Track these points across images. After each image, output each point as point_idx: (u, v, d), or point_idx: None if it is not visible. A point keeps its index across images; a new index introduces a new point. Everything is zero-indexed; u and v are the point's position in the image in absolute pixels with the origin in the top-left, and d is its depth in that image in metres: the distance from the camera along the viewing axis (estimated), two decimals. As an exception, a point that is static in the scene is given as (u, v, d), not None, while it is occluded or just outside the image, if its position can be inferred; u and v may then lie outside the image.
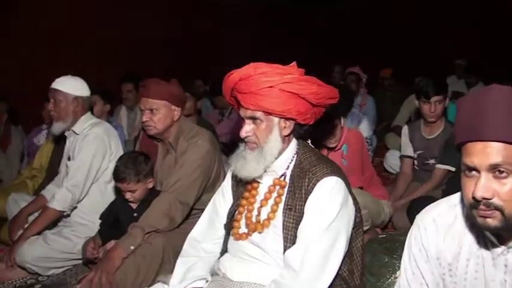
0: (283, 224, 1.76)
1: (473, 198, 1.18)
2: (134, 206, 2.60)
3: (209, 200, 2.64)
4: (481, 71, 6.29)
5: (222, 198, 2.03)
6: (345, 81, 5.63)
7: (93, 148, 2.82)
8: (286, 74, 1.72)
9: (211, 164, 2.63)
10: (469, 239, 1.35)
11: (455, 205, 1.41)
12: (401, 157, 3.64)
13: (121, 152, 2.95)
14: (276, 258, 1.79)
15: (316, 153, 1.87)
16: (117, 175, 2.54)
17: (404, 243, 2.07)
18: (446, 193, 2.96)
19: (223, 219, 1.99)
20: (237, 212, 1.93)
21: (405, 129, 3.59)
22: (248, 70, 1.73)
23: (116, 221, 2.62)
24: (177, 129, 2.65)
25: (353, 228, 1.82)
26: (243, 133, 1.77)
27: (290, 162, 1.84)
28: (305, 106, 1.77)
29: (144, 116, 2.60)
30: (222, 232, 2.01)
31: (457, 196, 1.43)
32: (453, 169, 3.24)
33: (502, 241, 1.27)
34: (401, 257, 1.98)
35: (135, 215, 2.54)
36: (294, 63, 1.80)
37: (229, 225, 1.95)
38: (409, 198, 3.27)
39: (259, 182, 1.87)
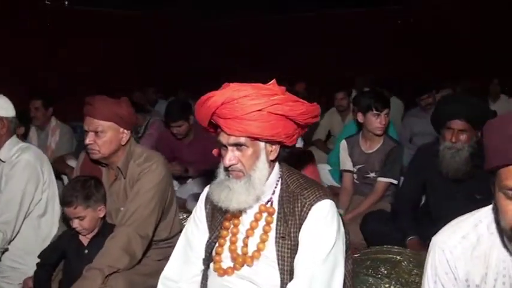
0: (278, 255, 1.64)
1: None
2: (85, 241, 2.27)
3: (164, 230, 2.45)
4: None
5: (196, 229, 1.85)
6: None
7: (24, 177, 2.46)
8: (273, 95, 1.60)
9: (166, 190, 2.42)
10: (494, 258, 1.34)
11: (476, 225, 1.40)
12: (342, 172, 3.68)
13: (54, 180, 2.60)
14: None
15: (302, 175, 1.78)
16: (64, 198, 2.22)
17: (384, 261, 2.08)
18: (395, 207, 3.08)
19: (200, 254, 1.81)
20: (217, 244, 1.76)
21: (344, 144, 3.63)
22: (230, 93, 1.58)
23: (60, 260, 2.28)
24: (126, 153, 2.39)
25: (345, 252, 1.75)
26: (226, 162, 1.63)
27: (275, 187, 1.72)
28: (292, 127, 1.68)
29: (87, 137, 2.30)
30: (199, 268, 1.82)
31: (477, 215, 1.42)
32: (395, 182, 3.35)
33: None
34: (385, 276, 1.99)
35: (86, 252, 2.23)
36: (274, 81, 1.68)
37: (209, 260, 1.78)
38: (355, 213, 3.30)
39: (241, 210, 1.71)
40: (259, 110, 1.58)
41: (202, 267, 1.82)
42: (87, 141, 2.29)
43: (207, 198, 1.82)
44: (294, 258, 1.63)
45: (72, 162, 3.43)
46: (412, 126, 5.07)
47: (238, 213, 1.72)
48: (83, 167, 2.48)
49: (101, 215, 2.30)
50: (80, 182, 2.27)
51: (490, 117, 2.81)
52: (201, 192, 3.61)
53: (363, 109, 3.42)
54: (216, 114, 1.61)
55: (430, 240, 2.60)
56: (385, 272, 2.00)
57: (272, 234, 1.67)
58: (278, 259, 1.64)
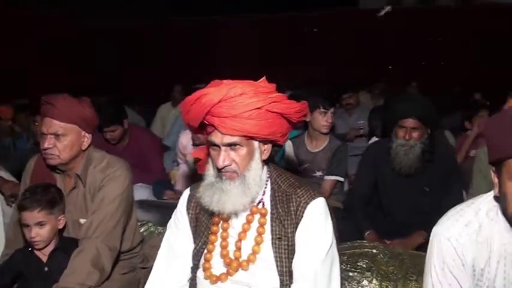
0: (276, 256, 1.61)
1: None
2: (44, 257, 2.04)
3: (127, 240, 2.30)
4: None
5: (179, 235, 1.75)
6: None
7: None
8: (270, 93, 1.58)
9: (130, 197, 2.28)
10: (496, 243, 1.42)
11: (476, 213, 1.47)
12: (289, 172, 3.71)
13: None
14: None
15: (291, 175, 1.76)
16: (23, 202, 2.01)
17: (361, 255, 2.14)
18: (348, 203, 3.18)
19: (186, 261, 1.73)
20: (205, 251, 1.68)
21: (289, 144, 3.67)
22: (226, 90, 1.53)
23: (14, 282, 2.03)
24: (85, 158, 2.20)
25: None
26: (220, 162, 1.56)
27: (265, 187, 1.69)
28: (286, 126, 1.67)
29: (45, 141, 2.08)
30: (186, 277, 1.74)
31: (476, 204, 1.50)
32: (342, 179, 3.46)
33: None
34: (365, 269, 2.04)
35: (47, 269, 2.01)
36: (264, 78, 1.67)
37: (197, 268, 1.70)
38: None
39: (229, 214, 1.65)
40: (257, 108, 1.54)
41: (190, 276, 1.73)
42: (46, 145, 2.07)
43: (190, 202, 1.75)
44: (291, 258, 1.61)
45: (1, 173, 3.09)
46: (338, 128, 5.27)
47: (227, 217, 1.66)
48: (34, 175, 2.23)
49: (60, 226, 2.09)
50: (41, 188, 2.05)
51: (437, 116, 3.07)
52: (144, 199, 3.46)
53: (309, 108, 3.47)
54: (211, 112, 1.54)
55: (385, 234, 2.79)
56: (365, 265, 2.05)
57: (267, 236, 1.63)
58: (276, 261, 1.61)
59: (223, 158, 1.57)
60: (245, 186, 1.59)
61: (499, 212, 1.42)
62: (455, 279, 1.45)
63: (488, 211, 1.45)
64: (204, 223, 1.71)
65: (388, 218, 2.93)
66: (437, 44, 7.98)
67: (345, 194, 3.54)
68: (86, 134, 2.18)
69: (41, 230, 2.00)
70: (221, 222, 1.68)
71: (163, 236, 2.79)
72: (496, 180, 1.39)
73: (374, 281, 1.98)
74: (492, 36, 7.75)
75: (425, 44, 7.91)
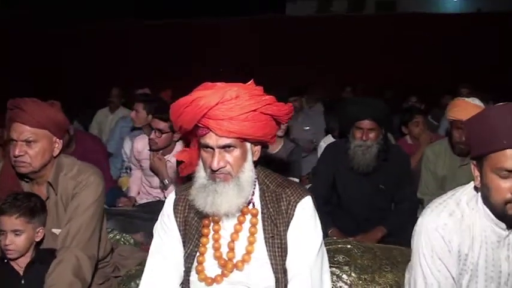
0: (270, 255, 1.64)
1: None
2: (20, 270, 1.93)
3: (101, 248, 2.24)
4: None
5: (169, 240, 1.74)
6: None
7: None
8: (263, 95, 1.63)
9: (102, 204, 2.21)
10: (478, 229, 1.57)
11: (458, 203, 1.62)
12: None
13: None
14: None
15: (277, 175, 1.81)
16: (2, 206, 1.91)
17: (338, 251, 2.24)
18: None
19: (177, 265, 1.73)
20: (198, 253, 1.69)
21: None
22: (222, 92, 1.55)
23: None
24: (56, 165, 2.11)
25: None
26: (215, 164, 1.58)
27: (254, 188, 1.73)
28: (275, 127, 1.73)
29: (16, 148, 1.97)
30: (178, 281, 1.74)
31: (456, 196, 1.65)
32: (297, 180, 3.56)
33: (508, 227, 1.54)
34: (344, 264, 2.15)
35: (23, 282, 1.91)
36: (252, 81, 1.69)
37: (190, 271, 1.70)
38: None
39: (219, 216, 1.66)
40: (253, 110, 1.58)
41: (181, 279, 1.73)
42: (17, 152, 1.96)
43: (177, 206, 1.74)
44: (285, 256, 1.65)
45: None
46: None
47: (217, 219, 1.68)
48: (1, 185, 2.10)
49: (38, 239, 1.99)
50: (24, 195, 1.96)
51: (390, 117, 3.27)
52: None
53: None
54: (207, 115, 1.56)
55: (346, 230, 2.92)
56: (342, 260, 2.14)
57: (259, 236, 1.66)
58: (270, 259, 1.64)
59: (218, 159, 1.58)
60: (239, 188, 1.61)
61: (479, 202, 1.58)
62: (443, 265, 1.58)
63: (468, 201, 1.60)
64: (194, 226, 1.71)
65: (347, 215, 3.07)
66: (365, 50, 8.42)
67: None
68: (57, 140, 2.10)
69: (16, 239, 1.90)
70: (212, 224, 1.70)
71: (130, 244, 2.78)
72: (476, 173, 1.54)
73: (353, 274, 2.07)
74: (412, 42, 8.34)
75: (357, 49, 8.32)
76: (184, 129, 1.67)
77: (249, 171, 1.65)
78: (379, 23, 8.98)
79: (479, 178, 1.53)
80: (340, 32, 8.46)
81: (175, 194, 1.77)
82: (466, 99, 3.04)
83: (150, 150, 3.25)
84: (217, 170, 1.59)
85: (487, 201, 1.52)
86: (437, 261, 1.59)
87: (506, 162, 1.42)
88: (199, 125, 1.59)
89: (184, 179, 2.38)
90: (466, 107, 2.95)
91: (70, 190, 2.08)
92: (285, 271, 1.65)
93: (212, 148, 1.59)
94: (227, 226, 1.68)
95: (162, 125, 3.13)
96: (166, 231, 1.75)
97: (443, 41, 8.23)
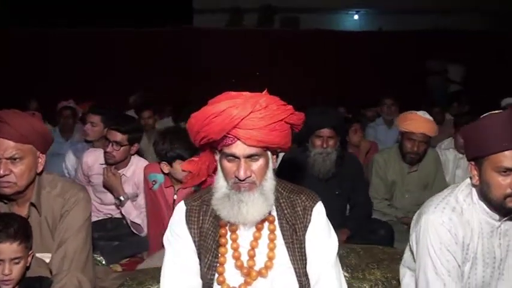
0: (292, 260, 1.67)
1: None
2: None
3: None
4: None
5: (183, 252, 1.69)
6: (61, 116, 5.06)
7: None
8: (286, 105, 1.64)
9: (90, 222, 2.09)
10: (475, 222, 1.77)
11: (457, 200, 1.80)
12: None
13: None
14: None
15: (287, 182, 1.83)
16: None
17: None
18: None
19: (195, 277, 1.70)
20: (217, 264, 1.67)
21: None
22: (254, 102, 1.55)
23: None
24: (37, 183, 1.94)
25: None
26: (242, 174, 1.57)
27: None
28: (291, 135, 1.74)
29: (0, 167, 1.80)
30: None
31: (454, 193, 1.83)
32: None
33: (501, 217, 1.76)
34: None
35: (18, 314, 1.73)
36: (266, 90, 1.69)
37: (212, 282, 1.67)
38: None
39: (237, 225, 1.67)
40: (280, 120, 1.59)
41: None
42: (2, 171, 1.78)
43: (190, 217, 1.70)
44: (305, 260, 1.67)
45: None
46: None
47: (234, 228, 1.67)
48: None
49: (28, 264, 1.82)
50: (9, 217, 1.77)
51: (345, 125, 3.46)
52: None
53: None
54: (239, 125, 1.55)
55: None
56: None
57: (279, 241, 1.67)
58: (293, 263, 1.66)
59: (245, 169, 1.58)
60: (264, 196, 1.61)
61: (474, 198, 1.77)
62: (451, 255, 1.74)
63: (465, 198, 1.79)
64: (211, 236, 1.68)
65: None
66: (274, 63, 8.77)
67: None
68: (41, 155, 1.94)
69: (16, 266, 1.71)
70: (229, 233, 1.68)
71: (102, 264, 2.62)
72: (474, 172, 1.73)
73: (345, 274, 2.17)
74: (316, 57, 8.82)
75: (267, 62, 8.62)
76: (207, 140, 1.62)
77: (271, 179, 1.66)
78: (286, 37, 9.38)
79: (477, 177, 1.72)
80: (250, 45, 8.73)
81: (186, 205, 1.73)
82: (418, 112, 3.33)
83: (106, 164, 3.09)
84: (244, 180, 1.58)
85: (486, 196, 1.71)
86: (446, 253, 1.74)
87: (506, 161, 1.62)
88: (227, 135, 1.57)
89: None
90: (418, 120, 3.25)
91: (57, 209, 1.92)
92: (306, 275, 1.68)
93: (237, 157, 1.58)
94: (245, 234, 1.68)
95: (120, 137, 3.00)
96: (180, 243, 1.70)
97: (348, 57, 8.81)
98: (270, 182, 1.65)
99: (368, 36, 9.42)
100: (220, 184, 1.65)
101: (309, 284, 1.68)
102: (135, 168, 3.17)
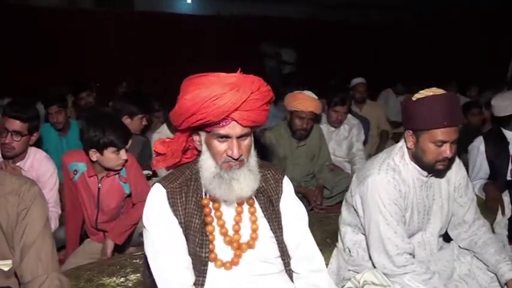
0: (272, 230, 1.78)
1: (446, 157, 2.02)
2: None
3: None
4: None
5: (171, 233, 1.68)
6: None
7: None
8: (268, 86, 1.72)
9: None
10: (410, 179, 2.15)
11: (393, 161, 2.15)
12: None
13: None
14: (278, 264, 1.79)
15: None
16: None
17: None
18: None
19: (187, 257, 1.71)
20: (208, 242, 1.72)
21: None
22: (252, 84, 1.62)
23: None
24: None
25: None
26: (236, 153, 1.63)
27: None
28: None
29: None
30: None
31: (389, 155, 2.18)
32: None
33: (428, 174, 2.18)
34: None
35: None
36: (239, 70, 1.73)
37: (207, 261, 1.70)
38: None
39: (219, 202, 1.75)
40: (269, 100, 1.69)
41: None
42: None
43: (171, 198, 1.69)
44: (281, 228, 1.81)
45: None
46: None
47: (217, 205, 1.73)
48: None
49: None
50: None
51: None
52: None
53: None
54: (240, 107, 1.60)
55: None
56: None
57: (259, 214, 1.78)
58: (274, 233, 1.78)
59: (237, 148, 1.64)
60: (252, 172, 1.70)
61: (406, 159, 2.14)
62: (398, 207, 2.09)
63: (400, 159, 2.16)
64: (196, 216, 1.71)
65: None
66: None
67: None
68: None
69: None
70: (213, 211, 1.73)
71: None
72: (412, 139, 2.07)
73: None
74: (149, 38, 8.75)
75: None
76: (202, 122, 1.62)
77: (254, 156, 1.74)
78: (122, 19, 9.04)
79: (413, 143, 2.08)
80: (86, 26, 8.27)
81: (164, 187, 1.70)
82: (305, 92, 3.65)
83: (3, 157, 2.72)
84: (238, 158, 1.64)
85: (419, 159, 2.08)
86: (394, 206, 2.09)
87: (442, 135, 1.99)
88: (226, 116, 1.60)
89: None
90: (307, 99, 3.59)
91: (12, 209, 1.67)
92: (284, 243, 1.80)
93: (229, 137, 1.63)
94: (228, 211, 1.74)
95: (20, 126, 2.67)
96: (165, 225, 1.69)
97: (180, 40, 8.93)
98: (254, 158, 1.73)
99: (202, 20, 9.69)
100: (209, 164, 1.68)
101: (287, 249, 1.82)
102: (33, 160, 2.85)
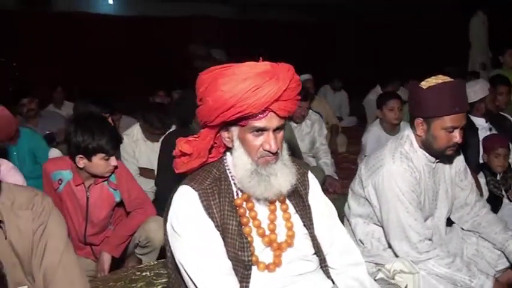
0: (306, 225, 1.71)
1: (456, 142, 2.07)
2: None
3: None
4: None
5: (212, 236, 1.57)
6: None
7: None
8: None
9: None
10: (421, 165, 2.19)
11: (405, 150, 2.18)
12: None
13: None
14: (315, 261, 1.72)
15: None
16: None
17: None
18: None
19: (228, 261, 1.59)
20: (248, 244, 1.61)
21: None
22: (289, 72, 1.55)
23: None
24: None
25: None
26: (273, 146, 1.53)
27: None
28: None
29: None
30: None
31: (398, 145, 2.20)
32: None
33: (435, 160, 2.23)
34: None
35: None
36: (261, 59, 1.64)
37: (250, 265, 1.60)
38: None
39: (253, 201, 1.65)
40: (300, 89, 1.62)
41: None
42: None
43: (207, 201, 1.58)
44: (313, 223, 1.74)
45: None
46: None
47: (251, 205, 1.64)
48: None
49: None
50: None
51: None
52: None
53: None
54: (280, 97, 1.51)
55: None
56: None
57: (291, 210, 1.71)
58: (306, 228, 1.71)
59: (274, 141, 1.54)
60: (287, 166, 1.62)
61: (415, 146, 2.18)
62: (415, 194, 2.12)
63: (409, 147, 2.20)
64: (231, 217, 1.60)
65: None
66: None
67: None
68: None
69: None
70: (247, 212, 1.63)
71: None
72: (424, 127, 2.10)
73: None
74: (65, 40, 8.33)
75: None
76: (240, 115, 1.51)
77: (286, 149, 1.66)
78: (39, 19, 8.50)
79: (424, 130, 2.11)
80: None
81: (195, 189, 1.58)
82: None
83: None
84: (275, 153, 1.55)
85: (429, 145, 2.12)
86: (411, 193, 2.11)
87: (453, 122, 2.03)
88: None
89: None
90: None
91: (26, 225, 1.45)
92: (316, 238, 1.73)
93: (266, 130, 1.54)
94: (261, 210, 1.65)
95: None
96: (202, 229, 1.56)
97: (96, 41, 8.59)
98: (285, 152, 1.65)
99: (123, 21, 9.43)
100: (244, 160, 1.57)
101: (321, 245, 1.74)
102: (-3, 172, 2.52)
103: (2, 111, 1.39)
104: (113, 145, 2.33)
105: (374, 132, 3.97)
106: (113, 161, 2.35)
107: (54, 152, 3.03)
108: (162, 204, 2.89)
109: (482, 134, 3.35)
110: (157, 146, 3.71)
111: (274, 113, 1.52)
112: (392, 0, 9.87)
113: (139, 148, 3.71)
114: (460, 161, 2.35)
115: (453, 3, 9.40)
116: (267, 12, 11.01)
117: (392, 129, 3.98)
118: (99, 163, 2.31)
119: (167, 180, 3.08)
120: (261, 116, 1.51)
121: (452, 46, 8.28)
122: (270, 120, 1.52)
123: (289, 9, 10.95)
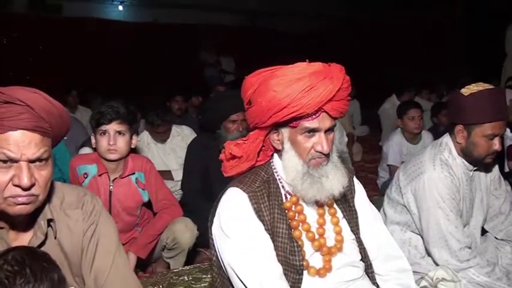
0: (352, 230, 1.69)
1: (496, 150, 2.06)
2: None
3: None
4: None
5: (264, 239, 1.55)
6: None
7: None
8: None
9: None
10: (460, 173, 2.18)
11: (445, 157, 2.17)
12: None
13: None
14: (361, 267, 1.68)
15: None
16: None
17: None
18: (188, 199, 3.15)
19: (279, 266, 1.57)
20: (299, 248, 1.58)
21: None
22: (341, 72, 1.53)
23: None
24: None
25: None
26: (325, 148, 1.51)
27: None
28: None
29: (23, 175, 1.24)
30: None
31: (438, 152, 2.19)
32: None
33: (473, 168, 2.22)
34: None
35: None
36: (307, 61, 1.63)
37: (302, 269, 1.57)
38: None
39: (301, 205, 1.63)
40: (351, 89, 1.59)
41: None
42: (26, 182, 1.23)
43: (255, 204, 1.55)
44: (359, 228, 1.71)
45: None
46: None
47: (300, 208, 1.62)
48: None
49: None
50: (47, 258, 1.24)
51: None
52: None
53: None
54: (334, 97, 1.49)
55: None
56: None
57: (339, 214, 1.67)
58: (353, 233, 1.69)
59: (326, 142, 1.52)
60: (338, 167, 1.59)
61: (453, 154, 2.17)
62: (456, 202, 2.11)
63: (448, 155, 2.18)
64: (281, 221, 1.58)
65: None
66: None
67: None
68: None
69: None
70: (296, 215, 1.61)
71: None
72: (464, 134, 2.09)
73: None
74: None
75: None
76: (294, 115, 1.49)
77: (335, 151, 1.64)
78: (50, 24, 8.55)
79: (464, 138, 2.09)
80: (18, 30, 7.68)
81: (244, 191, 1.56)
82: None
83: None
84: (327, 154, 1.53)
85: (469, 153, 2.11)
86: (452, 201, 2.10)
87: (494, 129, 2.03)
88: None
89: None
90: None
91: (76, 225, 1.43)
92: (363, 243, 1.71)
93: (318, 131, 1.52)
94: (310, 213, 1.63)
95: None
96: (255, 234, 1.53)
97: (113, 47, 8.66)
98: (335, 153, 1.63)
99: (135, 28, 9.45)
100: (295, 162, 1.56)
101: (366, 250, 1.71)
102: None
103: (62, 106, 1.36)
104: (110, 118, 2.29)
105: (396, 141, 3.97)
106: (112, 140, 2.31)
107: (86, 150, 3.03)
108: (187, 207, 2.91)
109: (507, 143, 3.35)
110: (168, 147, 3.79)
111: (327, 113, 1.51)
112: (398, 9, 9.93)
113: (151, 152, 3.73)
114: (495, 169, 2.34)
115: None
116: (276, 21, 11.05)
117: (414, 138, 3.97)
118: (98, 139, 2.32)
119: (193, 184, 3.11)
120: (314, 116, 1.50)
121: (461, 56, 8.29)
122: (323, 121, 1.51)
123: (299, 18, 10.98)
